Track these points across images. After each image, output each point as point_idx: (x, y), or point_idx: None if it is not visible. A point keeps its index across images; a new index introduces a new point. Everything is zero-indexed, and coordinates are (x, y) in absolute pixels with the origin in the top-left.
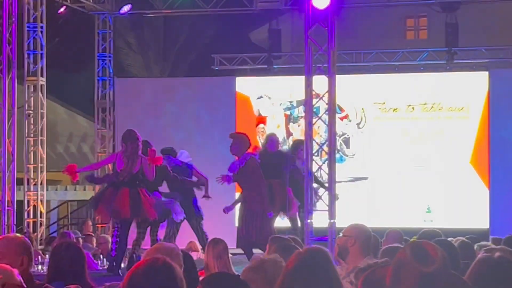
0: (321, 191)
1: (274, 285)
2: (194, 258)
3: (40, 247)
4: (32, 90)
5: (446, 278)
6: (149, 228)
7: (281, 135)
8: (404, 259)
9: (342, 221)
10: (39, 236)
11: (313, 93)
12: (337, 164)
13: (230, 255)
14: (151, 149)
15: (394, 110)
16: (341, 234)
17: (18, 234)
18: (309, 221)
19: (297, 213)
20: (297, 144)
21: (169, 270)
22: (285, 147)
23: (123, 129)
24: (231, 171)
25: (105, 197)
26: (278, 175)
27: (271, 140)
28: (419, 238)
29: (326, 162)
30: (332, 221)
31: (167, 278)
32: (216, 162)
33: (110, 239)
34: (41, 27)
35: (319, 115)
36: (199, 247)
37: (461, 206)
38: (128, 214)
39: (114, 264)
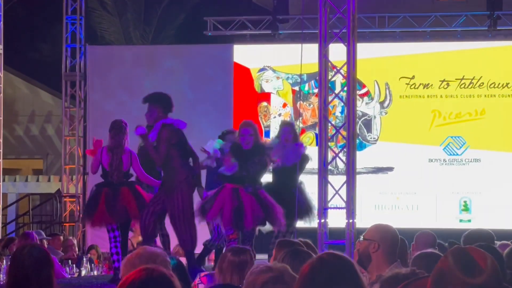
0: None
1: None
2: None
3: None
4: None
5: None
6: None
7: (288, 115)
8: (446, 269)
9: (363, 221)
10: None
11: (329, 64)
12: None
13: None
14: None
15: (424, 86)
16: (361, 238)
17: None
18: (323, 220)
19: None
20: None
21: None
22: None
23: (96, 108)
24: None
25: (102, 199)
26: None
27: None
28: (465, 241)
29: (344, 149)
30: (351, 221)
31: None
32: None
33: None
34: None
35: (336, 92)
36: None
37: (505, 202)
38: (137, 213)
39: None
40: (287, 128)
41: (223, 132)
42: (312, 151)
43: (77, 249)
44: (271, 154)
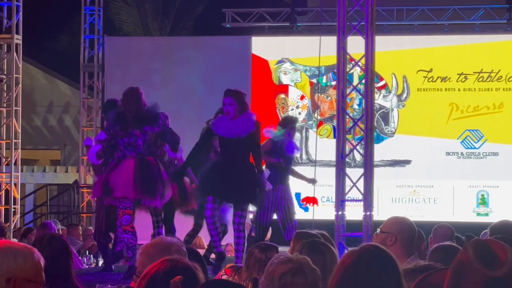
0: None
1: None
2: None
3: (13, 240)
4: (5, 50)
5: None
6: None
7: (305, 107)
8: (466, 262)
9: (379, 214)
10: (12, 227)
11: (347, 57)
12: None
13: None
14: None
15: (442, 79)
16: (378, 230)
17: None
18: (340, 213)
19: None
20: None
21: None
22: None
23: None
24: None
25: None
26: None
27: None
28: (492, 232)
29: (362, 141)
30: (368, 213)
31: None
32: None
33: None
34: None
35: (354, 84)
36: (205, 243)
37: None
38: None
39: None
40: (228, 99)
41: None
42: (329, 143)
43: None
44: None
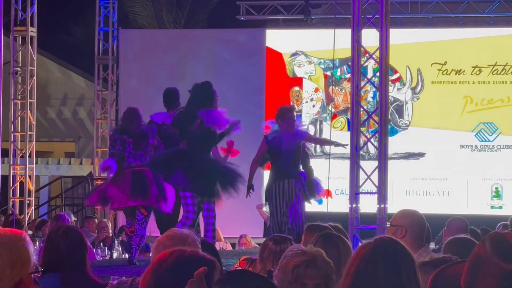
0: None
1: (328, 280)
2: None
3: (29, 232)
4: (20, 42)
5: None
6: None
7: (320, 100)
8: (483, 255)
9: (394, 206)
10: (26, 219)
11: (361, 50)
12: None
13: None
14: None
15: (456, 72)
16: (388, 224)
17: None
18: (354, 205)
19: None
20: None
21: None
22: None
23: (128, 91)
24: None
25: None
26: None
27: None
28: None
29: (376, 134)
30: (382, 206)
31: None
32: (241, 136)
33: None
34: None
35: (368, 77)
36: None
37: None
38: None
39: None
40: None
41: None
42: (344, 136)
43: (110, 230)
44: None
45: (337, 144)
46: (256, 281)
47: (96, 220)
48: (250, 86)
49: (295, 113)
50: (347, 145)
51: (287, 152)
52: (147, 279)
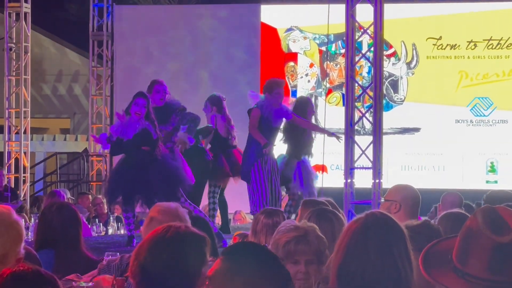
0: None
1: (321, 256)
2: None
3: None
4: (14, 19)
5: None
6: None
7: (315, 75)
8: (475, 228)
9: (389, 181)
10: (22, 195)
11: (356, 25)
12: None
13: None
14: None
15: (452, 47)
16: (383, 199)
17: None
18: (349, 180)
19: None
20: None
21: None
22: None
23: (123, 67)
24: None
25: None
26: None
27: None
28: (486, 201)
29: (371, 109)
30: (377, 181)
31: (194, 248)
32: (238, 112)
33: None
34: None
35: (363, 52)
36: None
37: None
38: None
39: None
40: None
41: None
42: (339, 111)
43: (105, 206)
44: None
45: (330, 134)
46: (261, 252)
47: (90, 196)
48: (245, 61)
49: (283, 89)
50: (341, 138)
51: (276, 128)
52: (142, 255)
